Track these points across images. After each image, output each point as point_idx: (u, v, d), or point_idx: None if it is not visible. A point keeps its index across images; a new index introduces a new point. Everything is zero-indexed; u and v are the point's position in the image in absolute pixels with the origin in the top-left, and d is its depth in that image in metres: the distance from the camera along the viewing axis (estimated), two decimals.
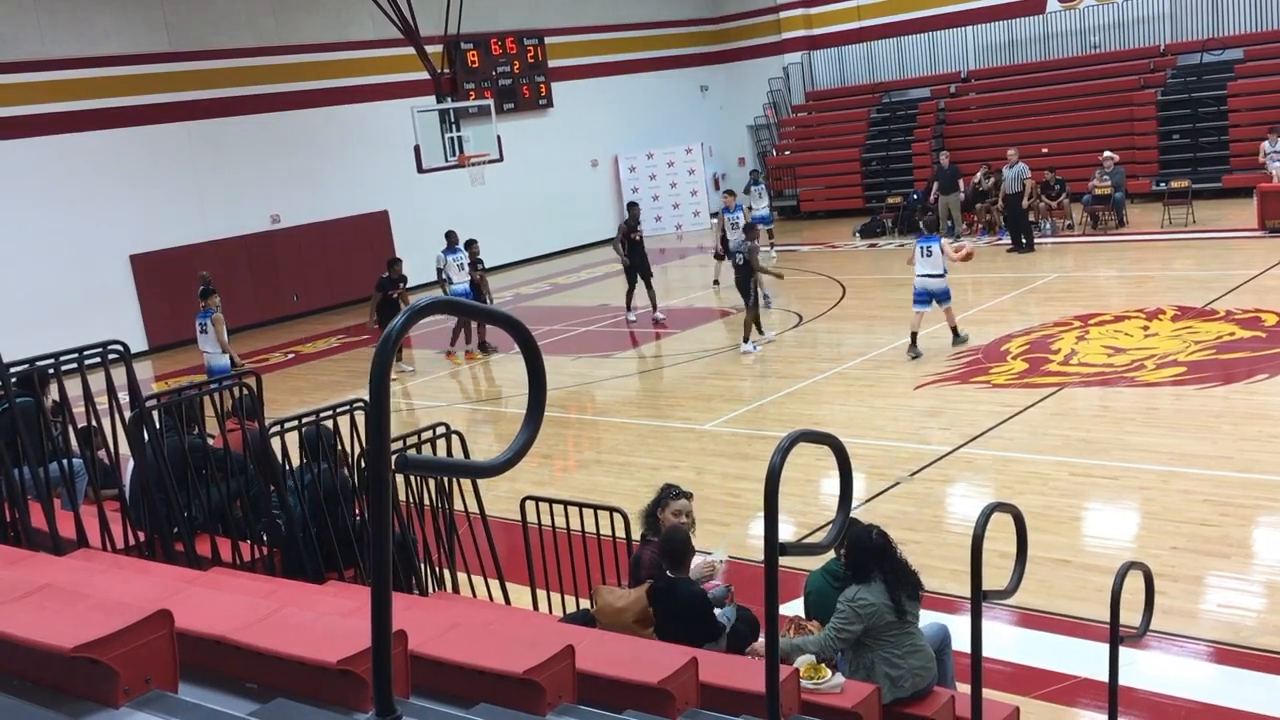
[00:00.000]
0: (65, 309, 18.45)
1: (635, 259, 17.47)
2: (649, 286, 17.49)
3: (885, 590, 4.94)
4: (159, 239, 20.52)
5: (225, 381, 6.51)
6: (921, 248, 13.30)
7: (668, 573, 5.29)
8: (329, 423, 6.03)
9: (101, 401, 5.32)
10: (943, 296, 13.30)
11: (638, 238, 17.58)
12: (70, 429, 5.83)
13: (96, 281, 19.68)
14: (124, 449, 6.03)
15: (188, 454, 5.83)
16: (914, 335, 13.37)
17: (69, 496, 5.43)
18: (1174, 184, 20.87)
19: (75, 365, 5.23)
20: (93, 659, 2.60)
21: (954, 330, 13.51)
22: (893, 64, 28.50)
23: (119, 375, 5.31)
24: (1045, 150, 22.92)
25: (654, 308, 17.60)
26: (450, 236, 16.98)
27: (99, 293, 19.59)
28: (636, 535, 6.29)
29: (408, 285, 15.99)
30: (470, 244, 16.89)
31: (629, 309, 17.90)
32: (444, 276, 16.66)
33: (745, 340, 14.65)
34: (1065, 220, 21.04)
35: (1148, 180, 22.45)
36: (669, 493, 5.92)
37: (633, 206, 18.54)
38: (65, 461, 5.89)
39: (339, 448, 6.15)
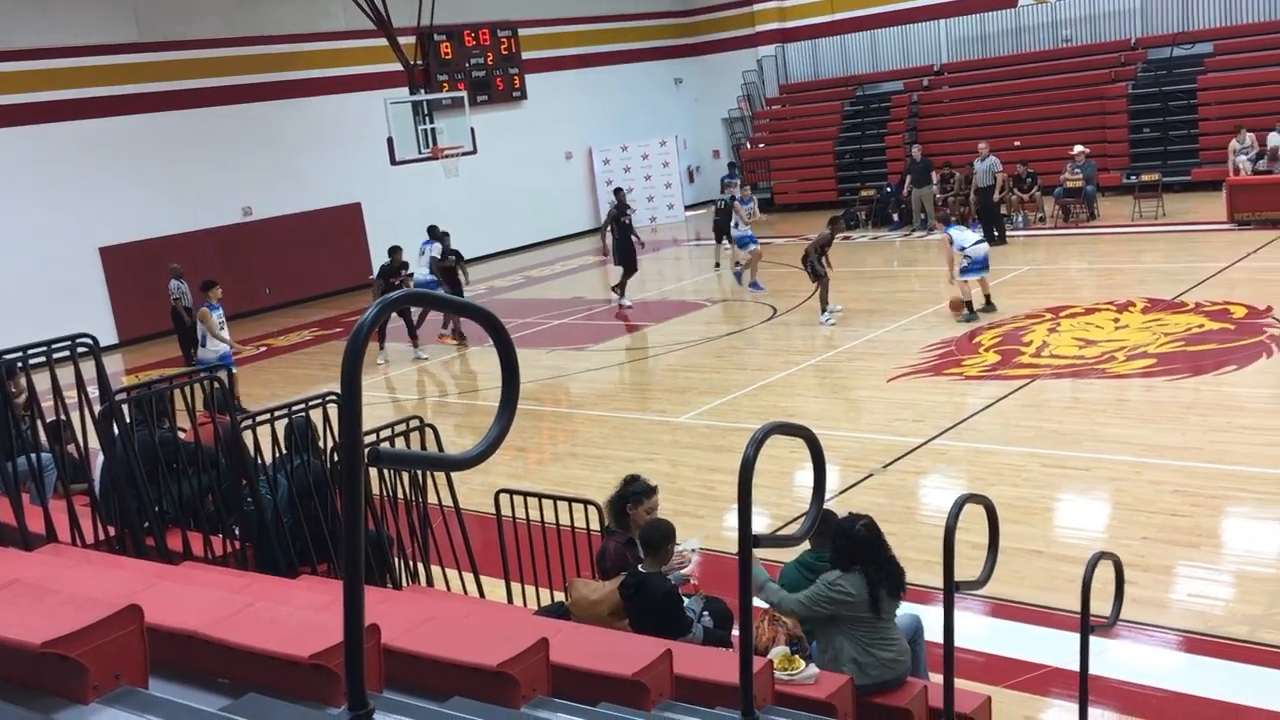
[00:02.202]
0: (34, 302, 18.25)
1: (624, 244, 17.87)
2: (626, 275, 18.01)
3: (864, 582, 4.96)
4: (129, 231, 20.34)
5: (195, 375, 6.46)
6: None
7: (640, 567, 5.25)
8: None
9: (71, 395, 5.27)
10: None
11: (627, 221, 17.88)
12: (39, 423, 5.78)
13: (66, 274, 19.47)
14: (93, 443, 5.98)
15: (158, 448, 5.78)
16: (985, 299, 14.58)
17: (37, 491, 5.37)
18: (1144, 177, 21.07)
19: (44, 359, 5.17)
20: (62, 655, 2.57)
21: (970, 304, 14.31)
22: (866, 57, 28.58)
23: (88, 369, 5.26)
24: (1018, 143, 23.04)
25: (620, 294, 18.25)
26: (430, 230, 17.04)
27: (68, 285, 19.39)
28: None
29: (409, 272, 16.01)
30: (443, 235, 16.93)
31: (622, 294, 18.31)
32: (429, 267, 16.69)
33: (823, 312, 15.27)
34: (1037, 213, 21.21)
35: (1118, 173, 22.63)
36: (639, 489, 5.80)
37: (619, 191, 19.11)
38: (34, 456, 5.83)
39: (313, 440, 6.12)
